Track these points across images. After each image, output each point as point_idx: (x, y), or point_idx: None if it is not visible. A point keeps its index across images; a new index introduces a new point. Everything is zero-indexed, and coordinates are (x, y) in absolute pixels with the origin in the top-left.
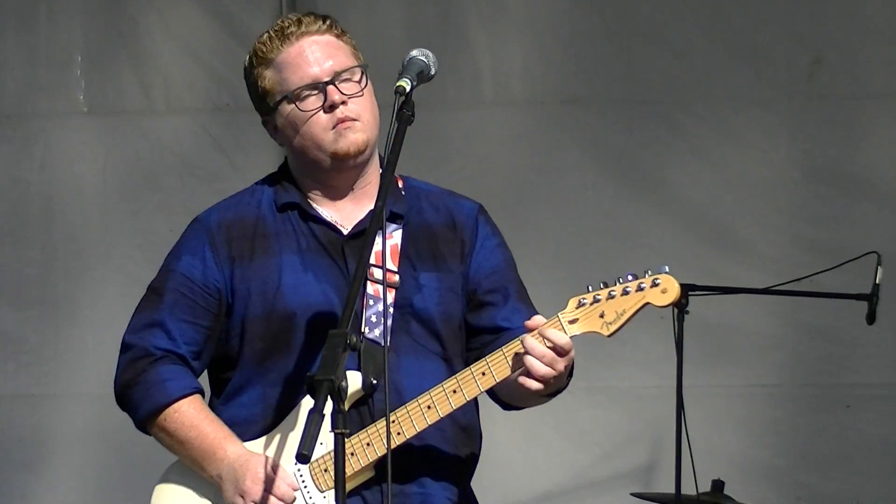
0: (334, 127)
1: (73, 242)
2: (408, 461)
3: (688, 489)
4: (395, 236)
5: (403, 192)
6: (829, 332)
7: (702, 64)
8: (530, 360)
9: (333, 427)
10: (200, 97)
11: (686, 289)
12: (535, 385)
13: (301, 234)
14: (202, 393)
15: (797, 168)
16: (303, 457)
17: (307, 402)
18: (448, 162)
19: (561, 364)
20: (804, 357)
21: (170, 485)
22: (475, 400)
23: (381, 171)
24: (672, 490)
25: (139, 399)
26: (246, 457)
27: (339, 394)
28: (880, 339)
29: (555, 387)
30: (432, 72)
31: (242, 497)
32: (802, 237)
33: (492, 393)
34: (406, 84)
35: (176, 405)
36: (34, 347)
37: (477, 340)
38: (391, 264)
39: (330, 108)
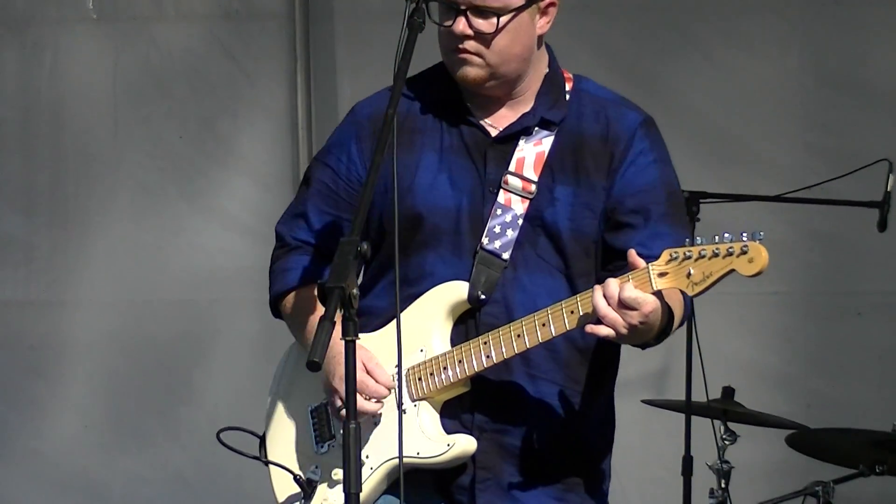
0: (453, 51)
1: (82, 149)
2: (511, 379)
3: (698, 396)
4: (544, 143)
5: (568, 97)
6: (840, 240)
7: None
8: (598, 308)
9: (344, 335)
10: (211, 3)
11: (697, 196)
12: (602, 332)
13: (447, 132)
14: None
15: (809, 75)
16: (313, 364)
17: (418, 305)
18: None
19: (631, 318)
20: (815, 264)
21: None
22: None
23: (546, 72)
24: (683, 397)
25: (270, 284)
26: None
27: (349, 301)
28: (892, 247)
29: (636, 338)
30: None
31: (332, 394)
32: (814, 144)
33: None
34: None
35: (295, 293)
36: (44, 255)
37: (613, 263)
38: (532, 174)
39: (452, 33)
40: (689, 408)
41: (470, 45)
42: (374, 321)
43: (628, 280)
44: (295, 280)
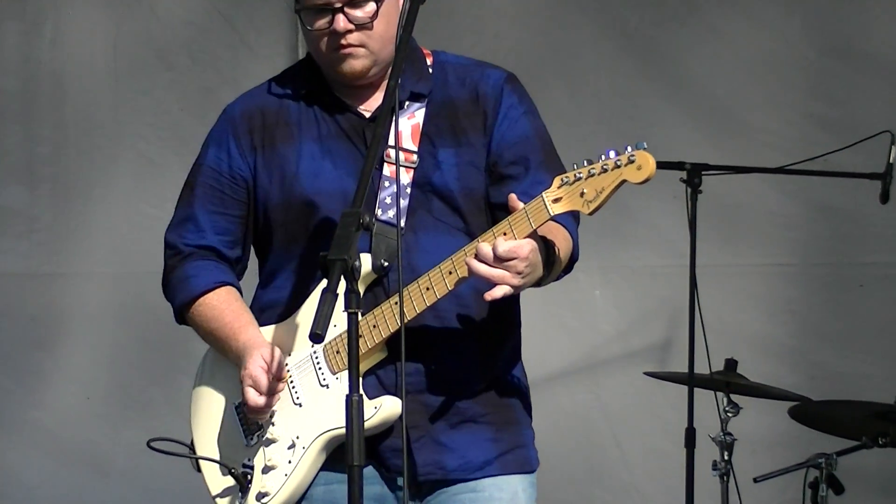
0: (336, 49)
1: (84, 121)
2: (424, 336)
3: (701, 368)
4: (417, 115)
5: (431, 70)
6: (842, 212)
7: None
8: (482, 273)
9: (346, 307)
10: None
11: (699, 168)
12: (499, 292)
13: (322, 120)
14: (231, 283)
15: (812, 45)
16: (316, 336)
17: (321, 287)
18: (460, 40)
19: (516, 267)
20: (817, 236)
21: (205, 372)
22: None
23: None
24: (685, 369)
25: (171, 296)
26: (251, 344)
27: (352, 273)
28: (893, 218)
29: (532, 280)
30: None
31: (242, 381)
32: (816, 116)
33: None
34: None
35: (201, 299)
36: (46, 226)
37: (500, 216)
38: (411, 144)
39: (335, 32)
40: (692, 380)
41: (353, 37)
42: (275, 314)
43: (496, 239)
44: (200, 287)
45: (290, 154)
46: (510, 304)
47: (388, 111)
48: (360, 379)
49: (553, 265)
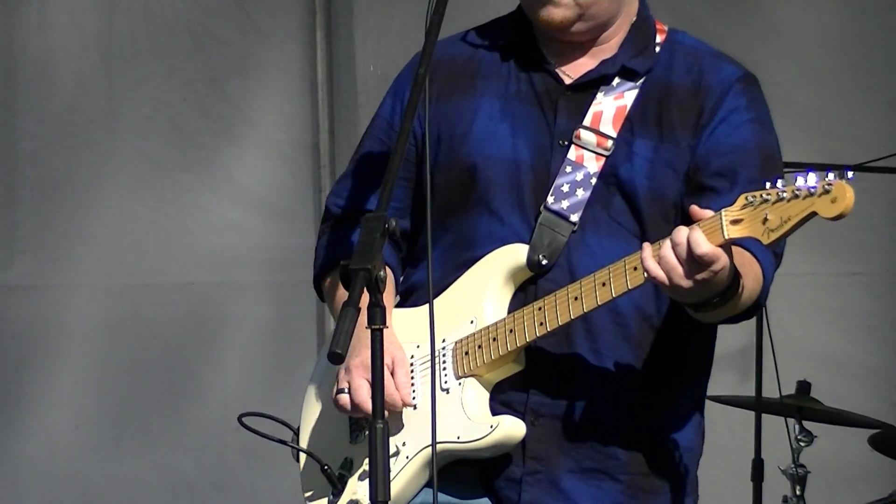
0: None
1: (73, 114)
2: (569, 354)
3: (770, 392)
4: (626, 97)
5: (658, 49)
6: None
7: None
8: (663, 252)
9: (370, 323)
10: None
11: None
12: (653, 269)
13: (514, 77)
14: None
15: (893, 24)
16: (335, 356)
17: (472, 272)
18: None
19: (698, 273)
20: None
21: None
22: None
23: (634, 18)
24: (752, 393)
25: (314, 266)
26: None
27: (376, 285)
28: None
29: (698, 296)
30: None
31: (348, 372)
32: None
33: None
34: None
35: (328, 277)
36: (30, 233)
37: None
38: (610, 129)
39: None
40: (759, 405)
41: None
42: (421, 298)
43: (698, 229)
44: (335, 256)
45: (465, 109)
46: (689, 345)
47: (417, 100)
48: (487, 394)
49: (729, 300)
